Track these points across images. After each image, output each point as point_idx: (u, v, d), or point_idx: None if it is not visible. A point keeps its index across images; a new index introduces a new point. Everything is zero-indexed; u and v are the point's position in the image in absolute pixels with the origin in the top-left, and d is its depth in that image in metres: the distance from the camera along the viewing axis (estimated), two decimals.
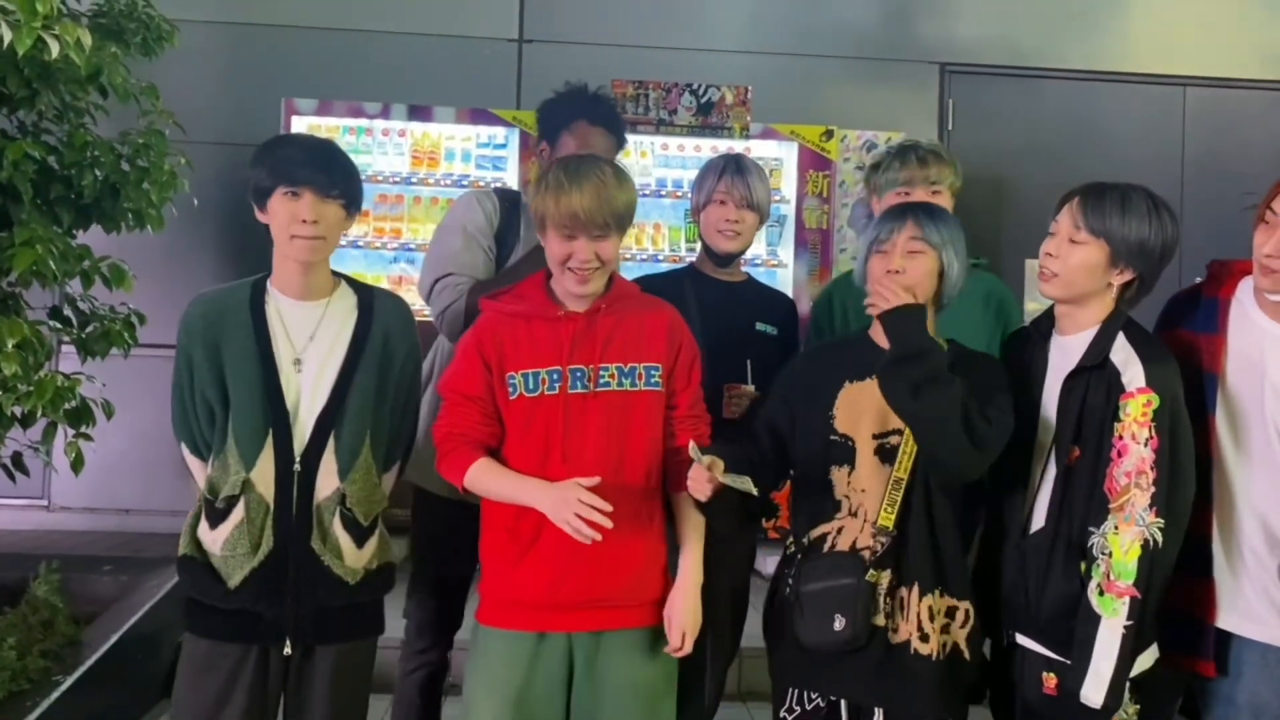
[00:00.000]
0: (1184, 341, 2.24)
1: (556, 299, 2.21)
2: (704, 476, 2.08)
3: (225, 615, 2.19)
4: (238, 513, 2.18)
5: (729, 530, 2.44)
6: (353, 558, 2.24)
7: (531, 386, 2.15)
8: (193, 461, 2.28)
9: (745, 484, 2.07)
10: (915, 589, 2.14)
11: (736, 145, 4.97)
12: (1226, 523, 2.18)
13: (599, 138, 2.76)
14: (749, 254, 4.94)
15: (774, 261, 5.13)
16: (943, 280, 2.20)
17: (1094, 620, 2.02)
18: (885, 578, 2.12)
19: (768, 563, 4.52)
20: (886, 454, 2.18)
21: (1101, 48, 5.78)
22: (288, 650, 2.20)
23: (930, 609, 2.13)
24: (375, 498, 2.28)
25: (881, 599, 2.12)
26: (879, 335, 2.24)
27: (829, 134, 5.00)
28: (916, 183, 2.72)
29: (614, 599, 2.16)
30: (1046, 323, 2.28)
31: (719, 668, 2.74)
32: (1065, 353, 2.20)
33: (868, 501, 2.17)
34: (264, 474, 2.18)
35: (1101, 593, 2.02)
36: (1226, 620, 2.17)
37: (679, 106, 4.91)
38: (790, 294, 4.87)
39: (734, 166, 2.77)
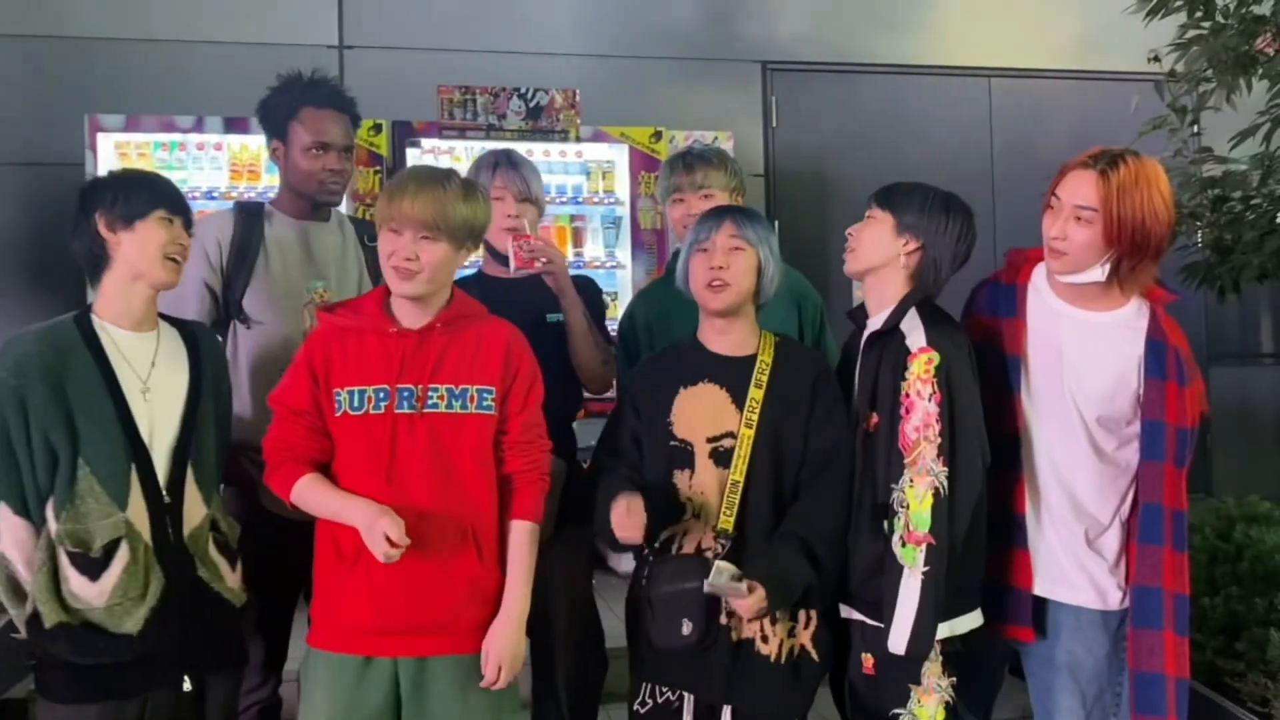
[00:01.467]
0: (987, 327, 2.36)
1: (393, 315, 2.18)
2: (639, 525, 2.11)
3: (119, 669, 2.07)
4: (122, 556, 2.07)
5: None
6: (232, 579, 2.22)
7: (356, 404, 2.11)
8: (14, 522, 2.08)
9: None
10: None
11: (568, 149, 4.99)
12: (1037, 495, 2.30)
13: (330, 121, 2.69)
14: (589, 255, 5.05)
15: (612, 263, 5.16)
16: (761, 276, 2.26)
17: (898, 572, 2.11)
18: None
19: (623, 560, 4.55)
20: (721, 457, 2.22)
21: (911, 43, 5.99)
22: (188, 687, 2.15)
23: (774, 613, 2.18)
24: (232, 520, 2.27)
25: (723, 598, 2.14)
26: (708, 339, 2.31)
27: (658, 135, 5.05)
28: (685, 189, 2.75)
29: (438, 624, 2.12)
30: (862, 311, 2.39)
31: (571, 685, 2.72)
32: (869, 331, 2.31)
33: (708, 504, 2.21)
34: (137, 511, 2.10)
35: (904, 544, 2.11)
36: (1042, 587, 2.29)
37: (508, 111, 4.87)
38: (630, 293, 4.92)
39: (506, 160, 2.73)
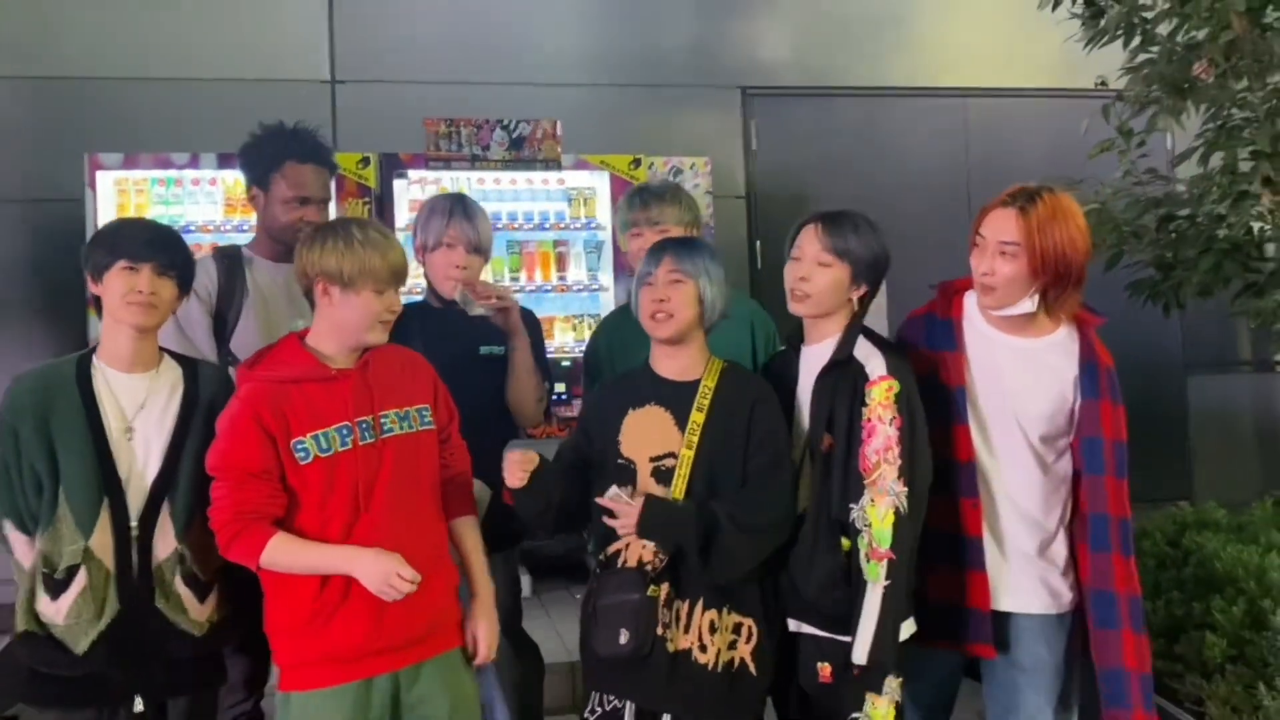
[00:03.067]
0: (927, 359, 2.48)
1: (324, 359, 2.27)
2: (522, 468, 2.27)
3: (72, 682, 2.22)
4: (79, 581, 2.22)
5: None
6: (196, 611, 2.31)
7: (324, 447, 2.19)
8: (17, 537, 2.29)
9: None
10: (700, 604, 2.31)
11: (551, 176, 5.13)
12: (993, 518, 2.42)
13: (310, 174, 2.80)
14: (572, 279, 5.18)
15: (595, 286, 5.29)
16: (702, 304, 2.39)
17: (863, 587, 2.24)
18: (664, 591, 2.29)
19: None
20: (662, 475, 2.35)
21: (888, 65, 6.09)
22: (139, 707, 2.25)
23: (713, 623, 2.31)
24: (214, 554, 2.29)
25: (660, 610, 2.28)
26: (658, 364, 2.45)
27: (637, 162, 5.18)
28: (641, 224, 2.85)
29: (433, 628, 2.27)
30: (797, 337, 2.53)
31: (515, 692, 2.84)
32: (814, 359, 2.45)
33: None
34: (102, 541, 2.23)
35: (867, 560, 2.24)
36: (1004, 602, 2.41)
37: (491, 142, 5.01)
38: None
39: (461, 210, 2.76)
